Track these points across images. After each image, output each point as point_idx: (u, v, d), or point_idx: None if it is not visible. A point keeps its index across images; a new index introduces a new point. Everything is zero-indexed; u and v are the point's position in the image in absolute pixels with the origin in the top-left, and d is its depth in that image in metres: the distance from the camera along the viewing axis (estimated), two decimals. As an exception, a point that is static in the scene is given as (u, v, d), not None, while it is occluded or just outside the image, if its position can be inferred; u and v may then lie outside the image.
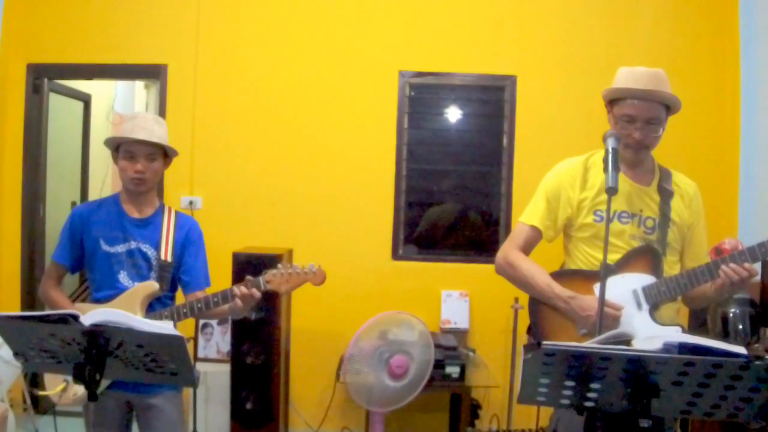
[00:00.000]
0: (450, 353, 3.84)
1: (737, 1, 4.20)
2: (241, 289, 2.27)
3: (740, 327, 3.16)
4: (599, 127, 2.13)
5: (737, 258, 2.07)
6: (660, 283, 2.15)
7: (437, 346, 3.80)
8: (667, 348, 1.40)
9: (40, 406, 4.02)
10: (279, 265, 2.32)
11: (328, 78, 4.27)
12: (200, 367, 3.91)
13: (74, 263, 2.47)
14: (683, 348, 1.39)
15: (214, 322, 4.08)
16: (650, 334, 1.82)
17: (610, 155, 1.90)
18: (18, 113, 4.32)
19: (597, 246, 2.21)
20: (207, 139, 4.27)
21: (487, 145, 4.34)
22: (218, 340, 4.11)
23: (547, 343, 1.41)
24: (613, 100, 2.22)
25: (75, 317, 1.64)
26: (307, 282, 2.33)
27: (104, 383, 2.25)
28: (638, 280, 2.16)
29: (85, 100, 5.58)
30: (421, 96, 4.33)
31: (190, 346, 3.22)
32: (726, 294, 2.19)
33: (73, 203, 5.41)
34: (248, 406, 3.70)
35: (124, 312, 1.68)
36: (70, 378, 1.66)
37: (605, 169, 1.90)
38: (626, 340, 1.69)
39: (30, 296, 4.27)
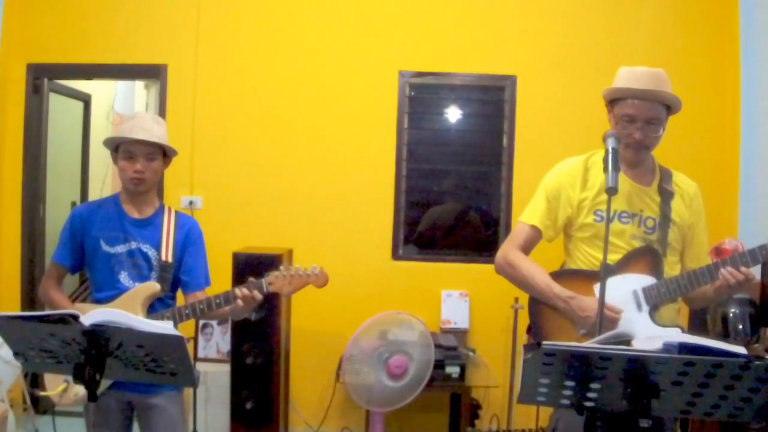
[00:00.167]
0: (450, 353, 3.84)
1: (737, 1, 4.20)
2: (243, 291, 2.27)
3: (740, 327, 3.16)
4: (599, 127, 2.13)
5: (738, 260, 2.07)
6: (660, 284, 2.15)
7: (437, 346, 3.80)
8: (667, 348, 1.40)
9: (40, 406, 4.02)
10: (281, 267, 2.32)
11: (328, 78, 4.26)
12: (200, 367, 3.91)
13: (74, 264, 2.47)
14: (683, 348, 1.39)
15: (214, 322, 4.08)
16: (650, 335, 1.82)
17: (610, 155, 1.89)
18: (18, 113, 4.32)
19: (597, 246, 2.21)
20: (207, 139, 4.27)
21: (487, 145, 4.34)
22: (218, 340, 4.11)
23: (547, 343, 1.41)
24: (613, 100, 2.22)
25: (75, 317, 1.64)
26: (310, 284, 2.33)
27: (105, 383, 2.26)
28: (638, 280, 2.16)
29: (85, 100, 5.58)
30: (421, 96, 4.33)
31: (190, 346, 3.23)
32: (725, 295, 2.19)
33: (73, 203, 5.42)
34: (248, 406, 3.70)
35: (124, 312, 1.68)
36: (70, 378, 1.65)
37: (605, 169, 1.90)
38: (626, 341, 1.69)
39: (30, 296, 4.27)
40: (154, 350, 1.65)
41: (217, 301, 2.31)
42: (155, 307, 2.39)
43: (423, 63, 4.27)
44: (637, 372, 1.41)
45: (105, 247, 2.39)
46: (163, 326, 1.67)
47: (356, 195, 4.26)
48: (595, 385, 1.47)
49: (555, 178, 2.32)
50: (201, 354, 4.09)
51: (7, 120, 4.31)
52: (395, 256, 4.29)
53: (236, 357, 3.72)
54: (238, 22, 4.28)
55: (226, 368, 3.82)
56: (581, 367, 1.44)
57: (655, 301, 2.15)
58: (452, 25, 4.27)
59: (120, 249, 2.39)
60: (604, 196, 1.97)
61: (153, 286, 2.37)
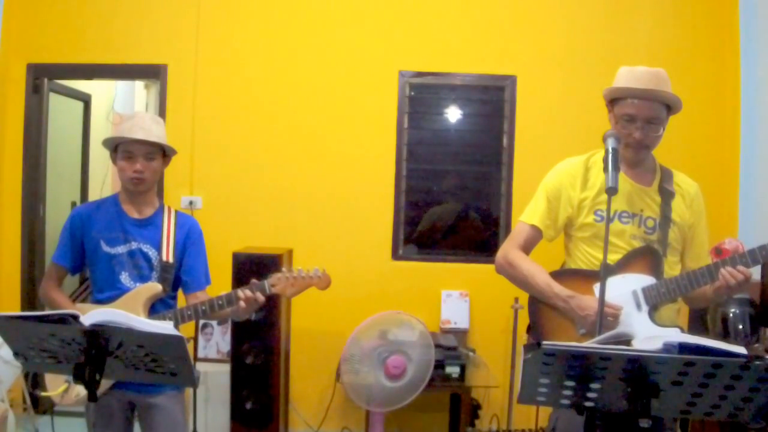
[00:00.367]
0: (450, 353, 3.84)
1: (737, 1, 4.20)
2: (245, 293, 2.27)
3: (740, 327, 3.16)
4: (599, 127, 2.13)
5: (738, 261, 2.07)
6: (660, 284, 2.15)
7: (437, 346, 3.80)
8: (667, 348, 1.40)
9: (39, 406, 4.02)
10: (284, 269, 2.32)
11: (328, 78, 4.26)
12: (200, 367, 3.91)
13: (75, 264, 2.47)
14: (683, 348, 1.39)
15: (214, 322, 4.08)
16: (649, 334, 1.82)
17: (610, 155, 1.90)
18: (18, 113, 4.32)
19: (597, 246, 2.21)
20: (207, 139, 4.27)
21: (487, 145, 4.34)
22: (218, 340, 4.11)
23: (547, 343, 1.41)
24: (613, 100, 2.22)
25: (75, 317, 1.64)
26: (312, 286, 2.33)
27: (107, 384, 2.26)
28: (638, 280, 2.16)
29: (85, 100, 5.58)
30: (421, 96, 4.33)
31: (190, 346, 3.22)
32: (725, 296, 2.19)
33: (73, 203, 5.41)
34: (248, 406, 3.70)
35: (124, 312, 1.68)
36: (71, 378, 1.65)
37: (605, 169, 1.90)
38: (626, 340, 1.69)
39: (30, 296, 4.27)
40: (154, 350, 1.65)
41: (220, 302, 2.30)
42: (156, 307, 2.39)
43: (423, 63, 4.27)
44: (637, 372, 1.41)
45: (105, 248, 2.39)
46: (163, 326, 1.67)
47: (356, 195, 4.26)
48: (595, 385, 1.47)
49: (555, 177, 2.32)
50: (201, 354, 4.09)
51: (7, 120, 4.31)
52: (395, 256, 4.29)
53: (236, 357, 3.72)
54: (238, 22, 4.28)
55: (226, 368, 3.82)
56: (581, 367, 1.44)
57: (654, 301, 2.15)
58: (452, 25, 4.27)
59: (120, 249, 2.39)
60: (605, 196, 1.97)
61: (154, 287, 2.37)
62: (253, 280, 2.31)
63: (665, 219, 2.22)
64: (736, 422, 1.55)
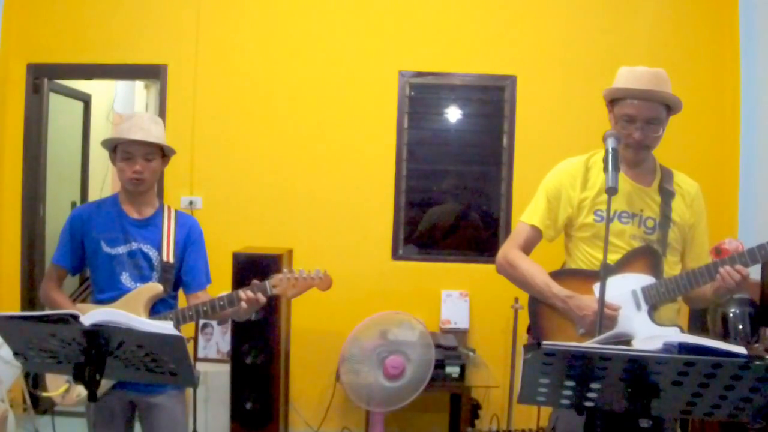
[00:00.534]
0: (450, 353, 3.84)
1: (737, 1, 4.20)
2: (247, 294, 2.27)
3: (740, 327, 3.16)
4: (599, 127, 2.13)
5: (737, 260, 2.07)
6: (659, 283, 2.15)
7: (437, 346, 3.80)
8: (667, 348, 1.40)
9: (40, 406, 4.02)
10: (285, 270, 2.32)
11: (328, 78, 4.26)
12: (200, 367, 3.91)
13: (75, 265, 2.47)
14: (683, 348, 1.39)
15: (214, 322, 4.08)
16: (649, 334, 1.82)
17: (610, 155, 1.90)
18: (18, 113, 4.32)
19: (597, 246, 2.21)
20: (207, 139, 4.27)
21: (487, 145, 4.34)
22: (218, 340, 4.11)
23: (546, 343, 1.41)
24: (613, 100, 2.22)
25: (75, 317, 1.64)
26: (314, 287, 2.33)
27: (108, 384, 2.26)
28: (638, 280, 2.16)
29: (85, 100, 5.58)
30: (421, 96, 4.33)
31: (190, 346, 3.22)
32: (724, 296, 2.20)
33: (73, 203, 5.42)
34: (248, 406, 3.70)
35: (124, 312, 1.68)
36: (72, 378, 1.65)
37: (605, 169, 1.90)
38: (626, 340, 1.69)
39: (30, 296, 4.27)
40: (154, 350, 1.65)
41: (221, 303, 2.30)
42: (157, 308, 2.39)
43: (423, 63, 4.27)
44: (637, 372, 1.41)
45: (106, 249, 2.39)
46: (163, 326, 1.67)
47: (356, 195, 4.26)
48: (595, 385, 1.47)
49: (555, 178, 2.32)
50: (201, 354, 4.09)
51: (7, 120, 4.31)
52: (395, 256, 4.29)
53: (236, 357, 3.72)
54: (238, 22, 4.28)
55: (226, 368, 3.82)
56: (581, 367, 1.44)
57: (654, 301, 2.15)
58: (452, 25, 4.27)
59: (121, 250, 2.39)
60: (605, 196, 1.97)
61: (155, 288, 2.37)
62: (255, 281, 2.31)
63: (665, 219, 2.22)
64: (736, 422, 1.55)
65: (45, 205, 4.46)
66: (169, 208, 2.50)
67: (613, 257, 2.17)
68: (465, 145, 4.36)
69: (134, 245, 2.40)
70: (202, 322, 4.06)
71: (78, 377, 1.63)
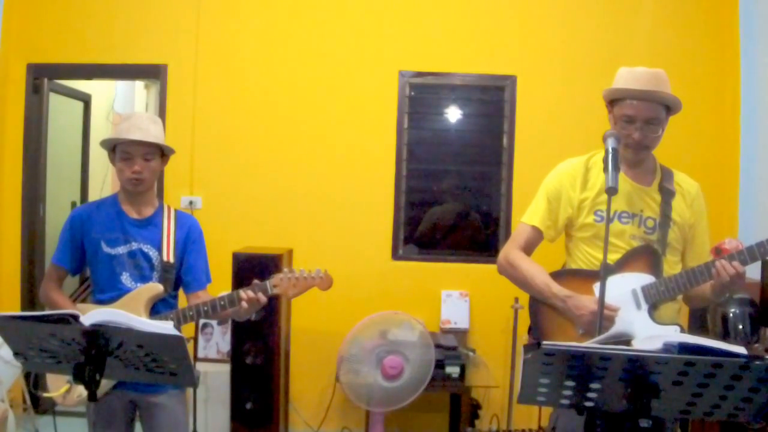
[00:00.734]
0: (450, 353, 3.84)
1: (737, 1, 4.20)
2: (247, 294, 2.27)
3: (740, 327, 3.16)
4: (599, 127, 2.13)
5: (736, 257, 2.07)
6: (659, 282, 2.15)
7: (437, 346, 3.80)
8: (667, 348, 1.40)
9: (40, 406, 4.02)
10: (285, 269, 2.32)
11: (328, 78, 4.27)
12: (200, 367, 3.91)
13: (75, 265, 2.46)
14: (683, 348, 1.39)
15: (214, 322, 4.08)
16: (649, 333, 1.82)
17: (610, 155, 1.90)
18: (18, 113, 4.32)
19: (597, 246, 2.21)
20: (207, 139, 4.27)
21: (487, 145, 4.34)
22: (218, 340, 4.11)
23: (547, 343, 1.41)
24: (613, 100, 2.22)
25: (75, 317, 1.64)
26: (314, 287, 2.33)
27: (109, 384, 2.25)
28: (638, 279, 2.17)
29: (85, 100, 5.58)
30: (421, 96, 4.33)
31: (190, 346, 3.23)
32: (723, 295, 2.20)
33: (73, 203, 5.41)
34: (248, 406, 3.70)
35: (125, 312, 1.68)
36: (72, 379, 1.66)
37: (605, 169, 1.90)
38: (626, 340, 1.69)
39: (30, 296, 4.27)
40: (154, 350, 1.65)
41: (222, 303, 2.30)
42: (158, 307, 2.38)
43: (423, 63, 4.27)
44: (637, 372, 1.41)
45: (106, 249, 2.38)
46: (163, 326, 1.67)
47: (356, 195, 4.26)
48: (595, 385, 1.47)
49: (556, 178, 2.32)
50: (201, 354, 4.09)
51: (7, 120, 4.31)
52: (395, 256, 4.29)
53: (236, 357, 3.72)
54: (238, 22, 4.28)
55: (226, 368, 3.82)
56: (581, 367, 1.44)
57: (654, 300, 2.15)
58: (452, 25, 4.27)
59: (121, 250, 2.39)
60: (605, 197, 1.97)
61: (156, 288, 2.36)
62: (255, 281, 2.31)
63: (665, 218, 2.22)
64: (736, 422, 1.55)
65: (45, 205, 4.46)
66: (168, 208, 2.50)
67: (613, 257, 2.17)
68: (465, 145, 4.36)
69: (134, 245, 2.40)
70: (202, 322, 4.06)
71: (78, 377, 1.63)
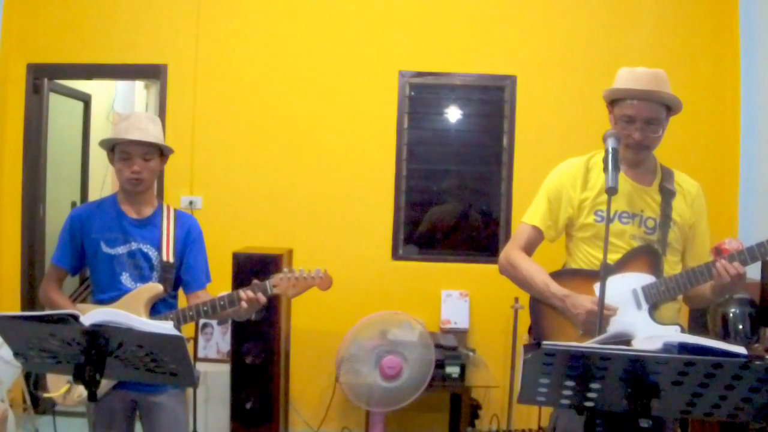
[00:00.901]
0: (450, 353, 3.84)
1: (737, 1, 4.20)
2: (247, 294, 2.27)
3: (740, 327, 3.16)
4: (599, 127, 2.13)
5: (736, 257, 2.07)
6: (660, 282, 2.15)
7: (437, 346, 3.80)
8: (667, 348, 1.40)
9: (40, 406, 4.02)
10: (285, 270, 2.32)
11: (328, 78, 4.26)
12: (200, 367, 3.91)
13: (75, 266, 2.46)
14: (683, 348, 1.39)
15: (214, 322, 4.08)
16: (649, 333, 1.82)
17: (609, 155, 1.90)
18: (18, 113, 4.32)
19: (598, 246, 2.21)
20: (207, 139, 4.27)
21: (487, 145, 4.34)
22: (218, 340, 4.11)
23: (547, 343, 1.41)
24: (613, 101, 2.23)
25: (75, 317, 1.64)
26: (314, 287, 2.33)
27: (108, 384, 2.25)
28: (638, 279, 2.17)
29: (85, 100, 5.58)
30: (421, 96, 4.33)
31: (190, 346, 3.23)
32: (723, 295, 2.20)
33: (73, 203, 5.41)
34: (248, 406, 3.70)
35: (125, 312, 1.68)
36: (72, 379, 1.66)
37: (605, 169, 1.90)
38: (626, 340, 1.69)
39: (30, 296, 4.27)
40: (154, 350, 1.65)
41: (221, 303, 2.30)
42: (158, 307, 2.38)
43: (423, 63, 4.27)
44: (637, 372, 1.41)
45: (105, 249, 2.38)
46: (163, 326, 1.67)
47: (356, 195, 4.26)
48: (595, 385, 1.47)
49: (556, 178, 2.32)
50: (201, 354, 4.09)
51: (7, 120, 4.31)
52: (395, 256, 4.29)
53: (236, 357, 3.72)
54: (238, 22, 4.28)
55: (226, 368, 3.82)
56: (581, 367, 1.44)
57: (654, 300, 2.15)
58: (452, 25, 4.27)
59: (120, 250, 2.39)
60: (605, 197, 1.97)
61: (155, 288, 2.36)
62: (255, 281, 2.31)
63: (666, 218, 2.22)
64: (736, 422, 1.55)
65: (45, 205, 4.46)
66: (168, 208, 2.50)
67: (613, 257, 2.17)
68: (465, 145, 4.36)
69: (134, 245, 2.39)
70: (202, 322, 4.06)
71: (78, 377, 1.63)
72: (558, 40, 4.25)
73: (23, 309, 4.15)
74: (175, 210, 2.52)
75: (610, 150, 1.91)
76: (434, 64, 4.27)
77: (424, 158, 4.32)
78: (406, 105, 4.29)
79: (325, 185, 4.26)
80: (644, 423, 1.43)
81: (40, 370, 2.28)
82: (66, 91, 5.07)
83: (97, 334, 1.62)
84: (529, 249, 2.34)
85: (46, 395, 2.37)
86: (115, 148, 2.39)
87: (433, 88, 4.33)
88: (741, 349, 1.38)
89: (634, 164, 2.25)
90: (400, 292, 4.19)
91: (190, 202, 4.22)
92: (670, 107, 2.20)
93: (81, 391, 2.26)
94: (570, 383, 1.48)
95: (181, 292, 2.51)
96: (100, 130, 5.65)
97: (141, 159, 2.36)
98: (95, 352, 1.63)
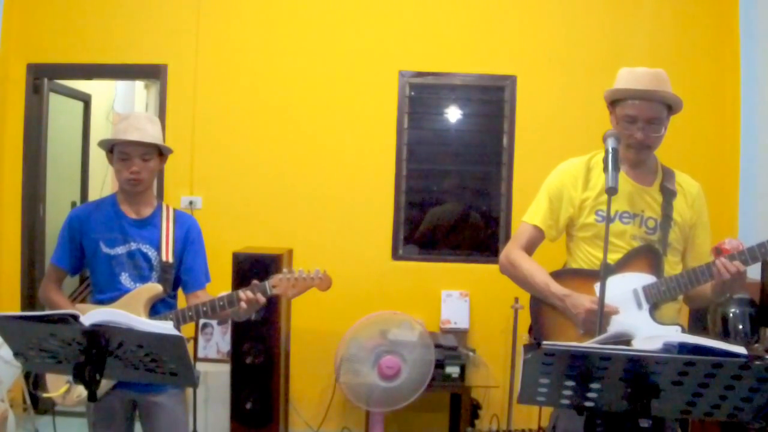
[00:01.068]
0: (450, 353, 3.84)
1: (737, 1, 4.20)
2: (246, 294, 2.27)
3: (740, 327, 3.16)
4: (599, 127, 2.13)
5: (736, 257, 2.07)
6: (660, 282, 2.15)
7: (437, 346, 3.80)
8: (667, 348, 1.40)
9: (40, 406, 4.02)
10: (285, 270, 2.32)
11: (328, 78, 4.26)
12: (200, 367, 3.91)
13: (74, 266, 2.46)
14: (683, 348, 1.39)
15: (214, 322, 4.08)
16: (650, 333, 1.82)
17: (610, 155, 1.90)
18: (18, 113, 4.32)
19: (598, 246, 2.21)
20: (207, 139, 4.27)
21: (487, 145, 4.34)
22: (218, 340, 4.11)
23: (547, 343, 1.41)
24: (614, 101, 2.22)
25: (75, 317, 1.64)
26: (313, 287, 2.33)
27: (108, 384, 2.25)
28: (638, 279, 2.17)
29: (85, 100, 5.58)
30: (421, 96, 4.33)
31: (190, 346, 3.22)
32: (724, 295, 2.20)
33: (73, 203, 5.42)
34: (248, 406, 3.70)
35: (125, 312, 1.68)
36: (72, 379, 1.65)
37: (605, 169, 1.90)
38: (626, 340, 1.69)
39: (30, 296, 4.27)
40: (154, 350, 1.65)
41: (221, 303, 2.30)
42: (157, 307, 2.38)
43: (423, 63, 4.27)
44: (637, 372, 1.41)
45: (105, 249, 2.38)
46: (163, 326, 1.67)
47: (356, 195, 4.26)
48: (595, 385, 1.47)
49: (557, 178, 2.32)
50: (201, 354, 4.09)
51: (7, 120, 4.31)
52: (395, 256, 4.29)
53: (236, 357, 3.72)
54: (238, 22, 4.28)
55: (226, 368, 3.82)
56: (581, 367, 1.44)
57: (655, 300, 2.15)
58: (452, 25, 4.27)
59: (120, 250, 2.39)
60: (606, 197, 1.97)
61: (155, 288, 2.36)
62: (254, 282, 2.31)
63: (666, 218, 2.22)
64: (736, 422, 1.55)
65: (45, 205, 4.46)
66: (167, 208, 2.50)
67: (614, 257, 2.17)
68: (465, 145, 4.36)
69: (133, 245, 2.39)
70: (202, 322, 4.06)
71: (78, 377, 1.63)
72: (558, 40, 4.25)
73: (23, 309, 4.15)
74: (175, 210, 2.51)
75: (610, 150, 1.91)
76: (434, 64, 4.27)
77: (424, 158, 4.32)
78: (406, 105, 4.29)
79: (325, 185, 4.26)
80: (644, 423, 1.43)
81: (40, 370, 2.28)
82: (66, 91, 5.07)
83: (97, 334, 1.62)
84: (529, 248, 2.34)
85: (45, 395, 2.37)
86: (113, 148, 2.39)
87: (433, 88, 4.33)
88: (741, 349, 1.38)
89: (635, 164, 2.25)
90: (400, 292, 4.18)
91: (190, 202, 4.22)
92: (671, 106, 2.20)
93: (80, 391, 2.26)
94: (570, 383, 1.48)
95: (180, 292, 2.51)
96: (100, 130, 5.65)
97: (140, 159, 2.36)
98: (95, 352, 1.63)
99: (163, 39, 4.28)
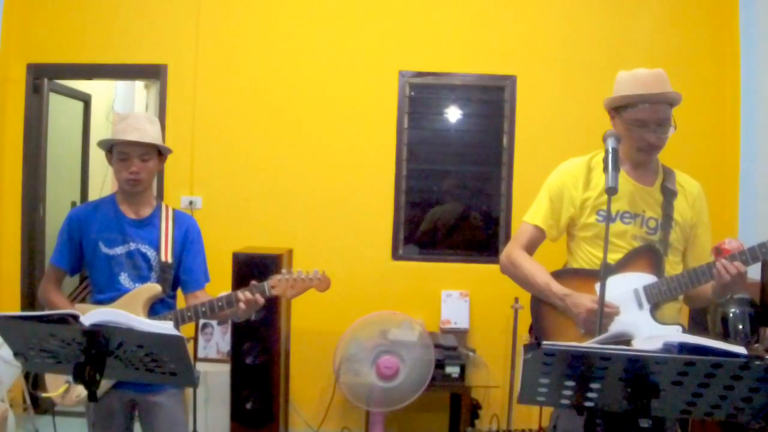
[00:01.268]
0: (450, 353, 3.84)
1: (737, 1, 4.20)
2: (246, 295, 2.27)
3: (740, 327, 3.16)
4: (599, 127, 2.13)
5: (737, 257, 2.07)
6: (661, 282, 2.15)
7: (437, 346, 3.80)
8: (667, 348, 1.40)
9: (40, 406, 4.02)
10: (284, 271, 2.32)
11: (328, 78, 4.26)
12: (200, 367, 3.91)
13: (73, 266, 2.46)
14: (683, 348, 1.39)
15: (214, 322, 4.08)
16: (651, 333, 1.82)
17: (609, 155, 1.90)
18: (18, 113, 4.32)
19: (599, 245, 2.21)
20: (207, 139, 4.26)
21: (487, 145, 4.34)
22: (218, 340, 4.11)
23: (547, 343, 1.41)
24: (619, 107, 2.22)
25: (75, 317, 1.64)
26: (312, 288, 2.33)
27: (107, 384, 2.25)
28: (639, 279, 2.17)
29: (85, 100, 5.58)
30: (421, 96, 4.33)
31: (190, 346, 3.22)
32: (724, 295, 2.20)
33: (73, 203, 5.42)
34: (248, 406, 3.70)
35: (125, 312, 1.68)
36: (72, 378, 1.65)
37: (605, 169, 1.90)
38: (626, 340, 1.69)
39: (30, 296, 4.27)
40: (154, 350, 1.65)
41: (220, 304, 2.30)
42: (156, 308, 2.39)
43: (423, 63, 4.27)
44: (637, 372, 1.41)
45: (104, 249, 2.38)
46: (163, 326, 1.67)
47: (356, 195, 4.26)
48: (595, 385, 1.47)
49: (558, 178, 2.32)
50: (201, 354, 4.09)
51: (7, 120, 4.31)
52: (395, 256, 4.29)
53: (236, 357, 3.72)
54: (238, 22, 4.28)
55: (226, 368, 3.82)
56: (581, 367, 1.44)
57: (656, 300, 2.15)
58: (452, 25, 4.27)
59: (119, 250, 2.39)
60: (606, 197, 1.97)
61: (154, 288, 2.36)
62: (253, 282, 2.31)
63: (667, 219, 2.22)
64: (736, 422, 1.55)
65: (45, 205, 4.46)
66: (166, 208, 2.50)
67: (614, 257, 2.17)
68: (465, 145, 4.36)
69: (132, 245, 2.39)
70: (202, 322, 4.06)
71: (78, 377, 1.63)
72: (558, 40, 4.25)
73: (23, 309, 4.16)
74: (174, 210, 2.51)
75: (610, 150, 1.91)
76: (434, 64, 4.27)
77: (424, 158, 4.32)
78: (406, 105, 4.29)
79: (325, 185, 4.26)
80: (644, 423, 1.42)
81: (40, 370, 2.28)
82: (66, 91, 5.07)
83: (97, 334, 1.62)
84: (530, 248, 2.34)
85: (45, 395, 2.37)
86: (113, 148, 2.39)
87: (433, 88, 4.33)
88: (741, 349, 1.38)
89: (637, 164, 2.25)
90: (400, 292, 4.18)
91: (190, 202, 4.22)
92: (671, 104, 2.20)
93: (80, 390, 2.26)
94: (570, 383, 1.48)
95: (179, 292, 2.51)
96: (100, 130, 5.65)
97: (139, 159, 2.36)
98: (95, 352, 1.63)
99: (163, 39, 4.28)
